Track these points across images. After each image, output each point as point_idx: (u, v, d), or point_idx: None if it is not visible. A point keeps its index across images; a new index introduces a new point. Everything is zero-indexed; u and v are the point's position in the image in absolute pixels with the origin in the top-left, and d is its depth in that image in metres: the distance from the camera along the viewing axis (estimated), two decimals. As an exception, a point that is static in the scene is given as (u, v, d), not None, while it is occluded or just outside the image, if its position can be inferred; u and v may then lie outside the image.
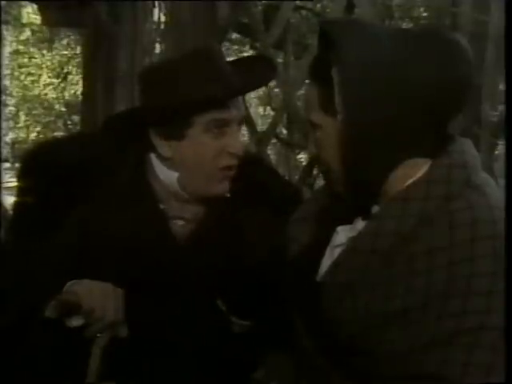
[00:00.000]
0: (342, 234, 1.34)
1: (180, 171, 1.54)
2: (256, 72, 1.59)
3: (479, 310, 1.16)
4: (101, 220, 1.54)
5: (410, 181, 1.26)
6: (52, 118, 12.26)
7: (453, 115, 1.28)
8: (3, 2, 6.02)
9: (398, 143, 1.24)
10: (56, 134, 11.38)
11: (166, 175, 1.56)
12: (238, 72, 1.55)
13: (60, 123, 11.88)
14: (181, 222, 1.59)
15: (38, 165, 1.59)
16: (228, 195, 1.57)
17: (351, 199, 1.33)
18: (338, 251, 1.32)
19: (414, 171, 1.26)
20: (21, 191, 1.61)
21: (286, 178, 1.83)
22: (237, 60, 1.74)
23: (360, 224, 1.32)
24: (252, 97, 11.56)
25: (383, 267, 1.24)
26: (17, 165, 1.67)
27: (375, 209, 1.31)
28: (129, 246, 1.52)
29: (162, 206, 1.58)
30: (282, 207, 1.59)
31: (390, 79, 1.21)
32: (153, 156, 1.57)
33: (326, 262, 1.34)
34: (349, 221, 1.35)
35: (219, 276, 1.53)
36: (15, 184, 1.63)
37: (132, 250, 1.52)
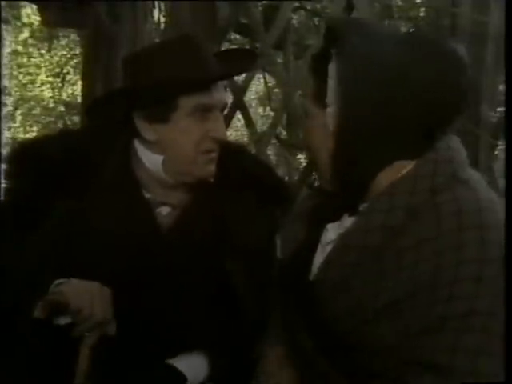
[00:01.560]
0: (332, 231, 1.36)
1: (164, 155, 1.55)
2: (238, 60, 1.64)
3: (468, 296, 1.18)
4: (87, 213, 1.54)
5: (396, 177, 1.28)
6: (52, 119, 12.25)
7: (446, 122, 1.30)
8: (3, 2, 6.01)
9: (387, 143, 1.26)
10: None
11: (150, 160, 1.57)
12: (221, 60, 1.58)
13: (60, 124, 11.87)
14: (166, 210, 1.59)
15: (25, 161, 1.60)
16: (212, 180, 1.58)
17: (336, 192, 1.35)
18: (328, 248, 1.34)
19: (399, 171, 1.29)
20: (9, 188, 1.61)
21: (272, 168, 1.83)
22: (220, 52, 1.79)
23: (347, 221, 1.34)
24: (252, 97, 11.57)
25: (373, 262, 1.26)
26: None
27: (363, 206, 1.33)
28: (115, 237, 1.53)
29: (147, 195, 1.59)
30: (267, 196, 1.62)
31: (387, 79, 1.23)
32: (137, 142, 1.58)
33: (318, 260, 1.36)
34: (338, 217, 1.37)
35: (203, 267, 1.53)
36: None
37: (118, 242, 1.53)
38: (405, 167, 1.29)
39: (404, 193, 1.26)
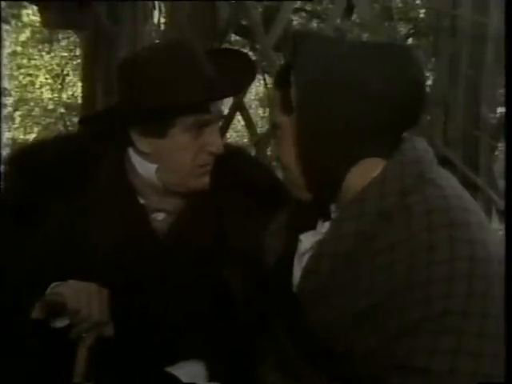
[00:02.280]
0: (306, 241, 1.37)
1: (158, 164, 1.55)
2: (237, 74, 1.60)
3: (442, 296, 1.19)
4: (84, 217, 1.54)
5: (367, 181, 1.29)
6: (52, 120, 12.26)
7: (405, 123, 1.32)
8: (3, 3, 6.02)
9: (349, 143, 1.28)
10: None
11: (144, 168, 1.56)
12: (219, 71, 1.55)
13: (60, 125, 11.87)
14: (161, 216, 1.59)
15: (23, 164, 1.60)
16: (207, 188, 1.57)
17: (309, 200, 1.36)
18: (305, 258, 1.35)
19: (369, 171, 1.29)
20: (7, 190, 1.61)
21: (272, 170, 1.82)
22: (214, 53, 1.71)
23: (322, 227, 1.35)
24: (252, 98, 11.58)
25: (349, 268, 1.27)
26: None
27: (335, 213, 1.34)
28: (111, 242, 1.53)
29: (141, 201, 1.58)
30: (265, 199, 1.60)
31: (345, 81, 1.26)
32: (131, 150, 1.58)
33: (297, 271, 1.37)
34: (313, 226, 1.38)
35: (200, 272, 1.53)
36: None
37: (114, 246, 1.53)
38: (375, 169, 1.30)
39: (374, 197, 1.27)
